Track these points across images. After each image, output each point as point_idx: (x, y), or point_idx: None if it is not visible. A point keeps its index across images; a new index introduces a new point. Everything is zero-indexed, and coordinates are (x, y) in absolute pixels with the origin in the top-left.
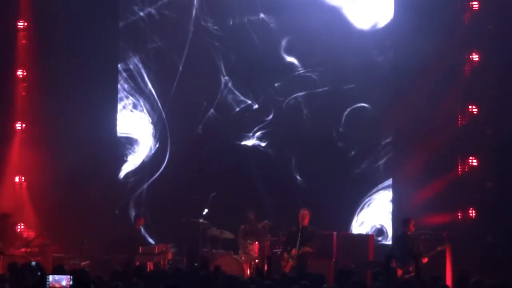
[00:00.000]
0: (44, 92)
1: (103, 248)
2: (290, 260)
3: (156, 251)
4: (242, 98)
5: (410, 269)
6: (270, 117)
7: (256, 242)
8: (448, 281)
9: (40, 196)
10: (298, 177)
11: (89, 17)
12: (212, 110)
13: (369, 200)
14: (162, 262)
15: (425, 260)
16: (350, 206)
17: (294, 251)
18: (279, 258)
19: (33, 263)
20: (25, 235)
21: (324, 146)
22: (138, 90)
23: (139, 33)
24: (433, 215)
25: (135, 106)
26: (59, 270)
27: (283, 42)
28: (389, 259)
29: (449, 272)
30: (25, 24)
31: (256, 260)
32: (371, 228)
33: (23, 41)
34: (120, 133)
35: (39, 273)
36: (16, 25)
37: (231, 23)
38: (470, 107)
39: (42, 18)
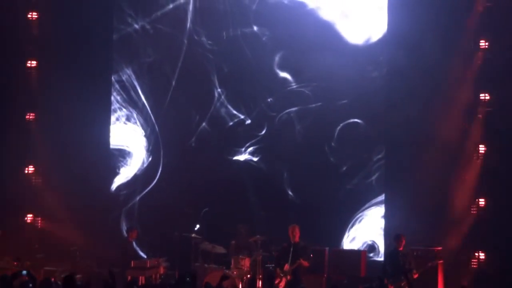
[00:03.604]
0: (37, 103)
1: (95, 261)
2: (282, 275)
3: (148, 265)
4: (235, 112)
5: (402, 284)
6: (263, 132)
7: (247, 257)
8: None
9: (31, 208)
10: (290, 192)
11: (83, 29)
12: (204, 124)
13: (361, 216)
14: (153, 276)
15: (416, 275)
16: (341, 221)
17: (287, 267)
18: (272, 273)
19: (24, 271)
20: None
21: (316, 162)
22: (131, 102)
23: (133, 45)
24: (425, 230)
25: (128, 118)
26: (46, 284)
27: (276, 57)
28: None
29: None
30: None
31: (248, 275)
32: (363, 244)
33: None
34: (113, 145)
35: (30, 285)
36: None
37: (224, 36)
38: (463, 123)
39: (36, 28)
